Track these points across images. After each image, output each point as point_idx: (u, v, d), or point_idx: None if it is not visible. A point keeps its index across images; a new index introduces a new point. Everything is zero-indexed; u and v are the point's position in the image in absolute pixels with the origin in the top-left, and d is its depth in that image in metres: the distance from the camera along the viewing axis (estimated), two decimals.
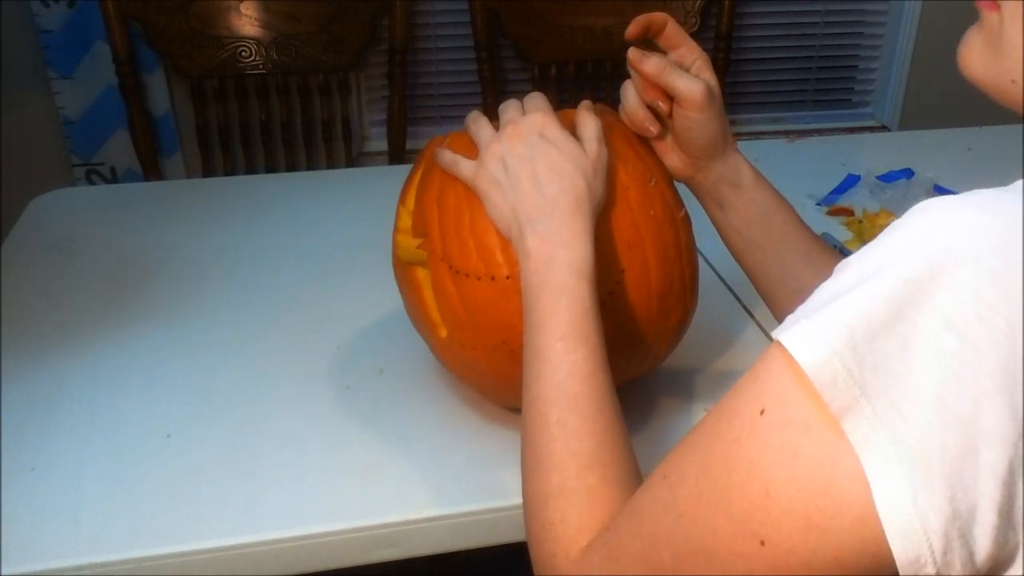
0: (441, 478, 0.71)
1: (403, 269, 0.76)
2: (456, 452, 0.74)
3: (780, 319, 0.68)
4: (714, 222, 0.77)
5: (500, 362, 0.70)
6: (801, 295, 0.43)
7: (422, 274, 0.74)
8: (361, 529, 0.68)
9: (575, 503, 0.53)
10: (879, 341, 0.37)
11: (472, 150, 0.69)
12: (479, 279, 0.69)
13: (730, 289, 0.98)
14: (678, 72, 0.69)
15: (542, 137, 0.64)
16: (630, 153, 0.72)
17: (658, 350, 0.76)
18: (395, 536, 0.68)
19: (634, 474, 0.56)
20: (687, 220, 0.75)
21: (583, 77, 1.79)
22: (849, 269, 0.41)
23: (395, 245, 0.77)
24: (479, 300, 0.69)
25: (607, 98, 1.81)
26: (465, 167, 0.68)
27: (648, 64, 0.69)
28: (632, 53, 0.70)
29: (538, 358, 0.58)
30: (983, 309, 0.35)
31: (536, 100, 0.68)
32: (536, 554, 0.54)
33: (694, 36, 1.93)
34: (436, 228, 0.71)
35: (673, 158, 0.75)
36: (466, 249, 0.69)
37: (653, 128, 0.72)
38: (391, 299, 0.89)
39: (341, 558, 0.68)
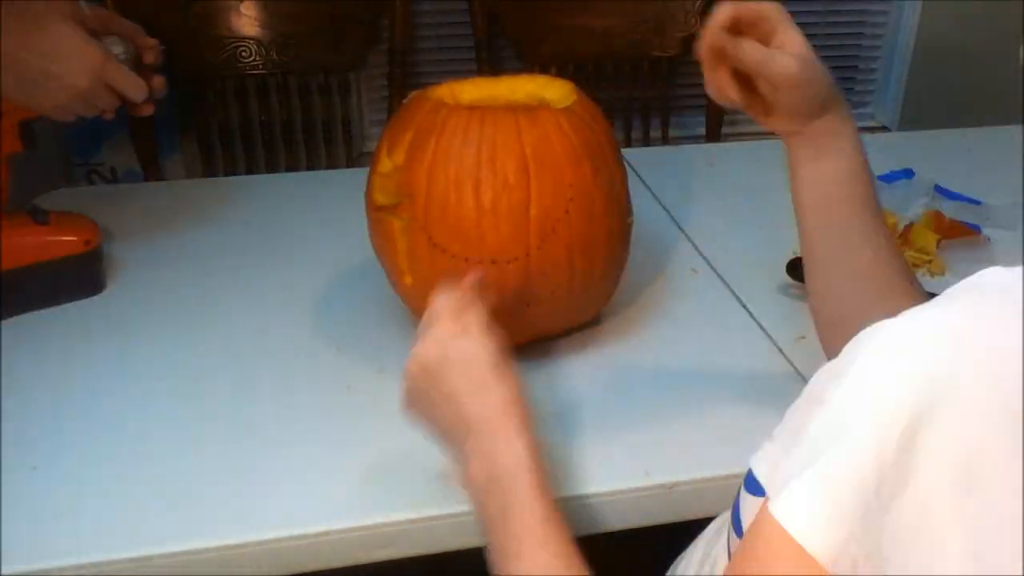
0: (440, 477, 0.71)
1: (378, 213, 0.81)
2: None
3: (817, 294, 0.70)
4: (798, 178, 0.73)
5: None
6: (853, 281, 0.42)
7: (397, 224, 0.79)
8: (361, 528, 0.68)
9: None
10: (885, 512, 0.36)
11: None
12: (453, 257, 0.75)
13: (728, 286, 0.98)
14: (767, 55, 0.65)
15: (442, 358, 0.62)
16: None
17: (605, 284, 0.86)
18: (395, 535, 0.68)
19: None
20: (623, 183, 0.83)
21: (583, 77, 1.79)
22: (824, 412, 0.40)
23: (373, 188, 0.81)
24: (450, 273, 0.72)
25: (607, 98, 1.81)
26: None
27: (745, 52, 0.65)
28: (730, 44, 0.67)
29: (504, 560, 0.56)
30: (983, 450, 0.34)
31: (440, 302, 0.65)
32: None
33: (694, 36, 1.94)
34: (422, 199, 0.76)
35: (776, 123, 0.71)
36: (447, 227, 0.75)
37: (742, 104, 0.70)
38: (392, 299, 0.89)
39: (341, 557, 0.68)
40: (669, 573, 0.61)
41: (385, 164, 0.79)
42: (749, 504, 0.46)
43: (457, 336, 0.63)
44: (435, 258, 0.77)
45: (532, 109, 0.79)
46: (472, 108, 0.78)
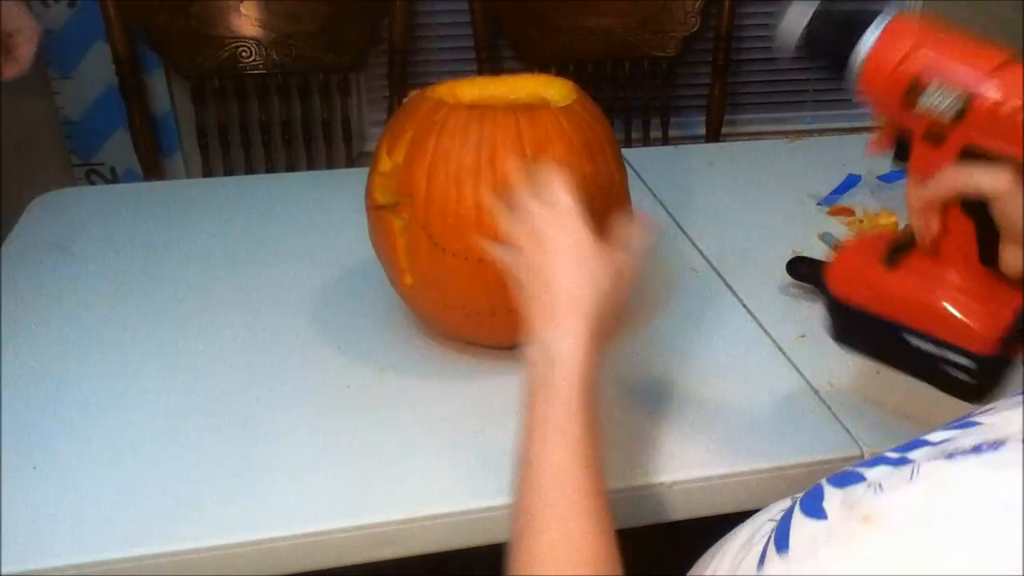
0: (441, 477, 0.71)
1: (378, 212, 0.81)
2: (456, 451, 0.74)
3: None
4: None
5: (455, 318, 0.82)
6: None
7: (397, 223, 0.79)
8: (361, 528, 0.68)
9: None
10: None
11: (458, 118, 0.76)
12: (453, 255, 0.76)
13: (728, 286, 0.98)
14: (969, 173, 0.58)
15: (566, 235, 0.65)
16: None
17: None
18: (395, 535, 0.68)
19: (607, 567, 0.56)
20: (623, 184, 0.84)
21: (583, 78, 1.79)
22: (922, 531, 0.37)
23: (373, 187, 0.81)
24: (449, 271, 0.76)
25: (607, 98, 1.81)
26: (499, 252, 0.69)
27: (943, 184, 0.58)
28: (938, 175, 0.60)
29: (528, 461, 0.58)
30: None
31: (561, 193, 0.67)
32: None
33: (694, 36, 1.94)
34: (422, 197, 0.76)
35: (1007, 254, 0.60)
36: (446, 225, 0.76)
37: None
38: (392, 299, 0.89)
39: (341, 557, 0.68)
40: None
41: (385, 163, 0.80)
42: (801, 525, 0.43)
43: (582, 234, 0.65)
44: (435, 257, 0.77)
45: (532, 108, 0.78)
46: (472, 107, 0.78)
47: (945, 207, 0.60)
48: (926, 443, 0.43)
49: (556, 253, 0.64)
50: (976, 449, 0.39)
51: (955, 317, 0.62)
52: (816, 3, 0.63)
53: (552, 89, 0.87)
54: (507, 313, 0.72)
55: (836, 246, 0.90)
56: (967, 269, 0.62)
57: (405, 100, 0.85)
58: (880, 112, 0.62)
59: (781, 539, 0.44)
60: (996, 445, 0.38)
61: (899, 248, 0.66)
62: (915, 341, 0.65)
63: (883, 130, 0.64)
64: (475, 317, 0.80)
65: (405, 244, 0.79)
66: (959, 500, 0.36)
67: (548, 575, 0.54)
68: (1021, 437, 0.38)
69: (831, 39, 0.62)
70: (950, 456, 0.39)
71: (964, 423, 0.44)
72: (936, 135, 0.59)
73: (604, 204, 0.79)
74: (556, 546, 0.55)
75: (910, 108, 0.59)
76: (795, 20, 0.63)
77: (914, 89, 0.58)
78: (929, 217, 0.61)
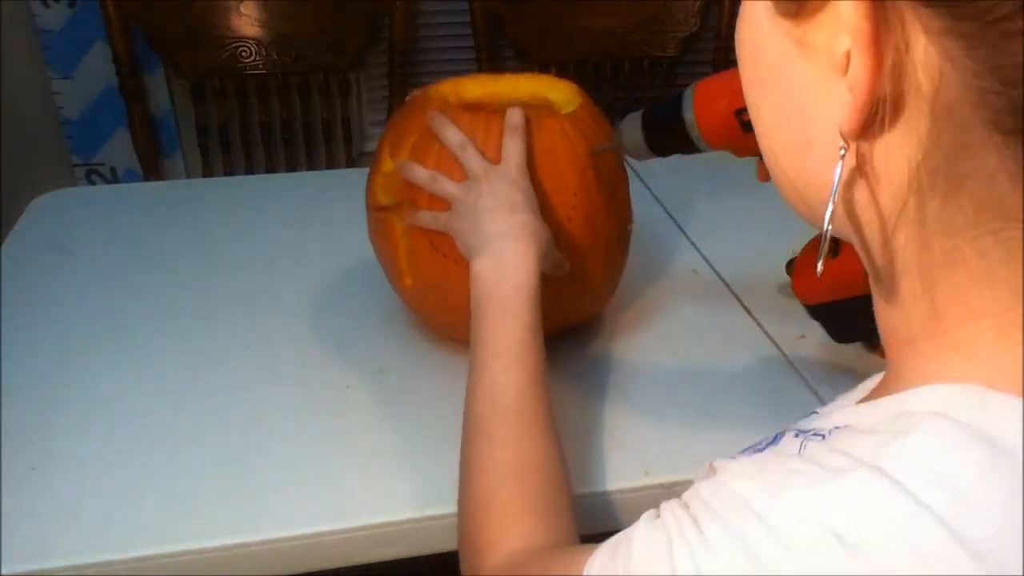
0: (441, 477, 0.71)
1: (380, 213, 0.81)
2: (456, 451, 0.74)
3: None
4: None
5: (454, 320, 0.78)
6: None
7: (399, 225, 0.79)
8: (361, 528, 0.68)
9: (490, 515, 0.56)
10: None
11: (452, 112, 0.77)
12: (456, 262, 0.75)
13: (728, 286, 0.98)
14: None
15: (512, 183, 0.71)
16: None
17: (604, 288, 0.86)
18: (395, 535, 0.68)
19: (554, 489, 0.58)
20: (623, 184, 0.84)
21: (583, 78, 1.79)
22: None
23: (375, 187, 0.81)
24: (451, 276, 0.76)
25: (607, 98, 1.81)
26: (449, 187, 0.73)
27: None
28: None
29: (478, 372, 0.62)
30: None
31: (516, 144, 0.73)
32: (460, 554, 0.58)
33: (694, 36, 1.94)
34: (425, 202, 0.76)
35: None
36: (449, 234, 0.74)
37: None
38: (392, 299, 0.89)
39: (341, 557, 0.68)
40: None
41: (388, 164, 0.79)
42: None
43: (503, 171, 0.71)
44: (436, 261, 0.77)
45: (537, 114, 0.78)
46: (477, 112, 0.78)
47: None
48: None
49: (510, 194, 0.69)
50: (754, 446, 0.42)
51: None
52: (638, 113, 0.71)
53: (555, 91, 0.87)
54: None
55: (789, 264, 0.92)
56: None
57: (407, 98, 0.84)
58: (741, 154, 0.69)
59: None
60: (776, 438, 0.41)
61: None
62: None
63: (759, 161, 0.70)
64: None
65: (406, 246, 0.79)
66: (722, 491, 0.38)
67: (506, 482, 0.57)
68: (794, 430, 0.40)
69: (664, 131, 0.69)
70: (735, 456, 0.42)
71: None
72: None
73: (606, 212, 0.80)
74: (513, 455, 0.58)
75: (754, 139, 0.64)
76: (631, 135, 0.72)
77: (743, 121, 0.64)
78: None
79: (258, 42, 1.68)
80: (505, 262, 0.65)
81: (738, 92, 0.59)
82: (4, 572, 0.63)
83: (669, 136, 0.70)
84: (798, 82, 0.37)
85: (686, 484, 0.73)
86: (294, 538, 0.67)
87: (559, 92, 0.86)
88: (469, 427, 0.61)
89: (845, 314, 0.70)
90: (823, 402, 0.80)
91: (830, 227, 0.38)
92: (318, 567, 0.68)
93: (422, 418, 0.78)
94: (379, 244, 0.84)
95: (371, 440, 0.76)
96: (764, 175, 0.66)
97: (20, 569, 0.63)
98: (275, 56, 1.69)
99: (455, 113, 0.77)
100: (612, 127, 0.79)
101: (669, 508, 0.40)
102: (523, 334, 0.62)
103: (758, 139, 0.43)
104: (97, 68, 1.75)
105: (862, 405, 0.39)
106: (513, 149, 0.73)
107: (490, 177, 0.71)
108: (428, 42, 1.93)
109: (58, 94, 1.77)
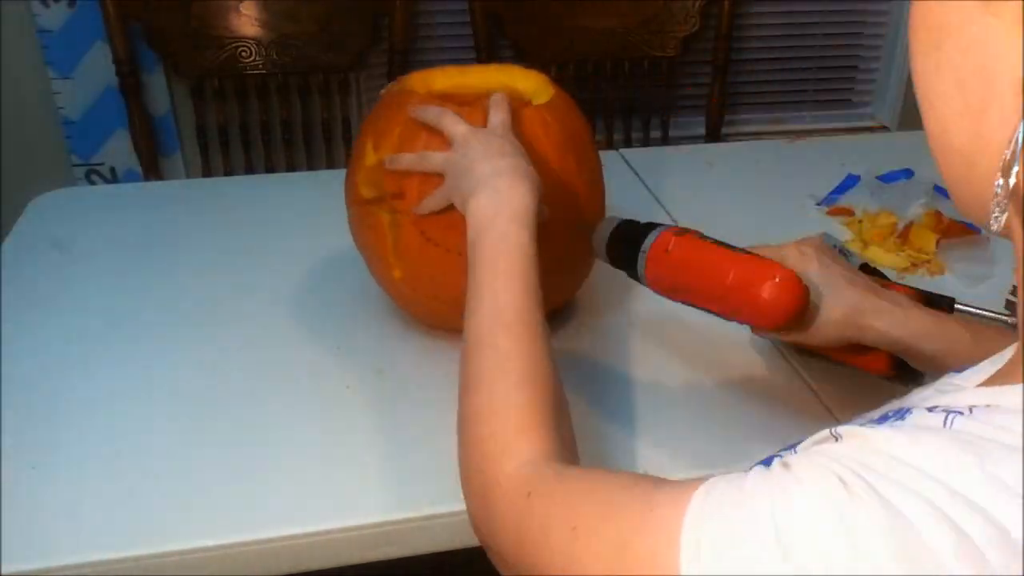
0: (440, 477, 0.71)
1: (364, 207, 0.82)
2: (456, 451, 0.74)
3: None
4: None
5: (443, 309, 0.82)
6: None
7: (385, 218, 0.80)
8: (361, 528, 0.68)
9: (503, 421, 0.56)
10: None
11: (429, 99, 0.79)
12: (447, 251, 0.77)
13: None
14: None
15: (500, 137, 0.73)
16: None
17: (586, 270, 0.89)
18: (395, 534, 0.68)
19: (560, 404, 0.59)
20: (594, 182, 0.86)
21: (583, 77, 1.79)
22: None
23: (358, 181, 0.82)
24: (442, 266, 0.78)
25: (607, 98, 1.81)
26: (438, 157, 0.75)
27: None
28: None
29: (478, 291, 0.62)
30: None
31: (500, 114, 0.75)
32: (464, 468, 0.57)
33: (694, 36, 1.94)
34: (415, 195, 0.77)
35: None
36: (441, 222, 0.76)
37: None
38: (392, 299, 0.89)
39: (341, 557, 0.68)
40: None
41: (371, 157, 0.81)
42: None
43: (489, 130, 0.73)
44: (427, 252, 0.79)
45: (516, 104, 0.81)
46: (462, 104, 0.79)
47: None
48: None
49: (499, 144, 0.71)
50: (882, 419, 0.42)
51: None
52: (616, 219, 0.75)
53: (524, 81, 0.89)
54: None
55: None
56: None
57: (382, 92, 0.86)
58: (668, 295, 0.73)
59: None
60: (901, 413, 0.41)
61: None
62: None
63: None
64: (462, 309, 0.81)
65: (395, 238, 0.80)
66: (880, 454, 0.37)
67: (520, 388, 0.57)
68: (925, 406, 0.41)
69: (623, 246, 0.73)
70: (860, 425, 0.41)
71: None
72: None
73: (586, 194, 0.82)
74: (524, 365, 0.58)
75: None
76: (602, 232, 0.76)
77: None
78: None
79: (258, 42, 1.68)
80: (501, 195, 0.66)
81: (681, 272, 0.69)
82: (4, 572, 0.63)
83: (623, 261, 0.74)
84: (980, 39, 0.38)
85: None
86: (294, 538, 0.67)
87: (528, 82, 0.88)
88: (472, 343, 0.61)
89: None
90: (820, 398, 0.80)
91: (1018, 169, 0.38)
92: (318, 567, 0.68)
93: (421, 418, 0.78)
94: (364, 238, 0.85)
95: (371, 440, 0.76)
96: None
97: (20, 569, 0.63)
98: (275, 56, 1.69)
99: (431, 103, 0.79)
100: (594, 120, 0.81)
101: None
102: (521, 260, 0.63)
103: (923, 116, 0.43)
104: (97, 68, 1.75)
105: (1004, 388, 0.40)
106: (497, 117, 0.75)
107: (477, 135, 0.73)
108: (428, 42, 1.93)
109: (58, 94, 1.77)
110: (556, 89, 0.85)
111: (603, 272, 0.82)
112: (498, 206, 0.66)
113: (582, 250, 0.84)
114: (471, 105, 0.79)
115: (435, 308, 0.85)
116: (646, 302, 0.97)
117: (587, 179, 0.83)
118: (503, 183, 0.67)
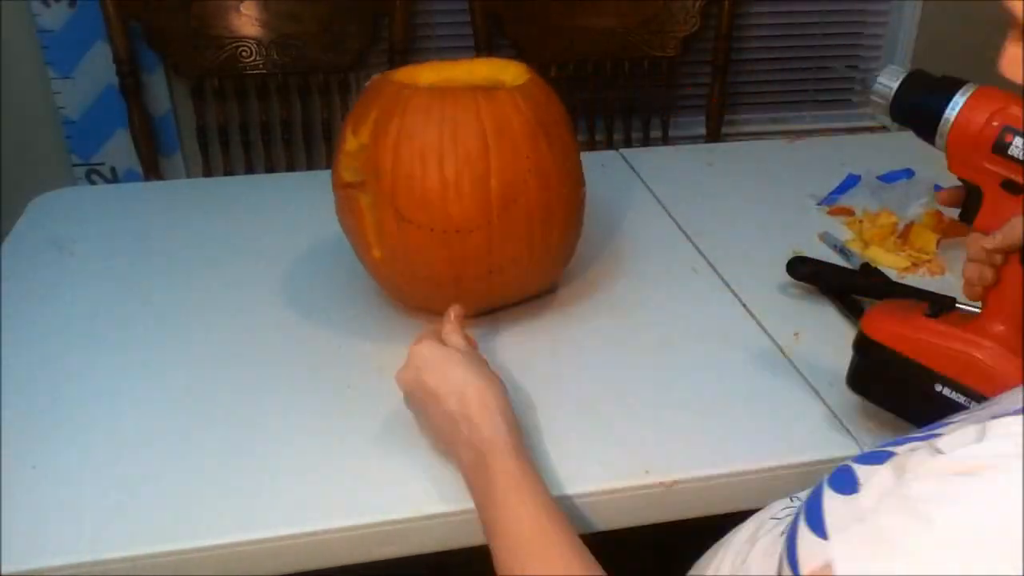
0: (441, 476, 0.71)
1: (346, 191, 0.86)
2: None
3: None
4: None
5: (422, 288, 0.86)
6: None
7: (364, 200, 0.84)
8: (361, 527, 0.68)
9: None
10: None
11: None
12: (420, 227, 0.80)
13: (727, 286, 0.98)
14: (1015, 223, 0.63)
15: (423, 364, 0.71)
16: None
17: (565, 253, 0.92)
18: (395, 534, 0.68)
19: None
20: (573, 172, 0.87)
21: (583, 77, 1.79)
22: (923, 534, 0.38)
23: (340, 167, 0.86)
24: (418, 243, 0.81)
25: (607, 98, 1.81)
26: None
27: (1013, 231, 0.63)
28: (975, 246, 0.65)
29: (494, 528, 0.62)
30: None
31: (454, 338, 0.75)
32: None
33: (694, 36, 1.94)
34: (389, 175, 0.81)
35: None
36: (413, 200, 0.80)
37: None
38: (392, 299, 0.89)
39: (341, 556, 0.68)
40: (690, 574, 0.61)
41: (351, 143, 0.84)
42: (808, 543, 0.44)
43: (434, 346, 0.72)
44: (403, 230, 0.81)
45: (490, 88, 0.83)
46: (433, 89, 0.83)
47: (1006, 258, 0.64)
48: (938, 433, 0.43)
49: (444, 366, 0.70)
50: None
51: (992, 369, 0.63)
52: (905, 70, 0.70)
53: (507, 72, 0.92)
54: (472, 280, 0.83)
55: (790, 264, 0.94)
56: (1011, 321, 0.65)
57: (367, 83, 0.89)
58: (957, 170, 0.67)
59: (815, 520, 0.44)
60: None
61: (941, 307, 0.70)
62: (946, 390, 0.66)
63: (953, 188, 0.70)
64: (442, 287, 0.84)
65: (373, 220, 0.83)
66: None
67: None
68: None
69: (919, 102, 0.67)
70: (995, 417, 0.39)
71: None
72: (1013, 185, 0.64)
73: (559, 175, 0.84)
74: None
75: (996, 160, 0.63)
76: (886, 82, 0.70)
77: (1002, 140, 0.63)
78: (985, 268, 0.65)
79: (258, 42, 1.68)
80: (476, 437, 0.66)
81: (1010, 115, 0.60)
82: (4, 571, 0.63)
83: (916, 110, 0.68)
84: None
85: (687, 483, 0.73)
86: (294, 537, 0.67)
87: (510, 72, 0.91)
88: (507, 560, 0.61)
89: (890, 371, 0.70)
90: (821, 398, 0.80)
91: None
92: (318, 566, 0.68)
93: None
94: (346, 220, 0.88)
95: (371, 440, 0.76)
96: (945, 202, 0.69)
97: (20, 568, 0.63)
98: (275, 56, 1.69)
99: (418, 92, 0.82)
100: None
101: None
102: (515, 486, 0.63)
103: None
104: (97, 68, 1.75)
105: None
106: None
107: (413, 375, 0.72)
108: (428, 42, 1.93)
109: (58, 94, 1.77)
110: (533, 75, 0.88)
111: (584, 257, 0.82)
112: (480, 453, 0.65)
113: (560, 234, 0.87)
114: (455, 96, 0.81)
115: (415, 287, 0.87)
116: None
117: (560, 163, 0.84)
118: (477, 424, 0.66)
